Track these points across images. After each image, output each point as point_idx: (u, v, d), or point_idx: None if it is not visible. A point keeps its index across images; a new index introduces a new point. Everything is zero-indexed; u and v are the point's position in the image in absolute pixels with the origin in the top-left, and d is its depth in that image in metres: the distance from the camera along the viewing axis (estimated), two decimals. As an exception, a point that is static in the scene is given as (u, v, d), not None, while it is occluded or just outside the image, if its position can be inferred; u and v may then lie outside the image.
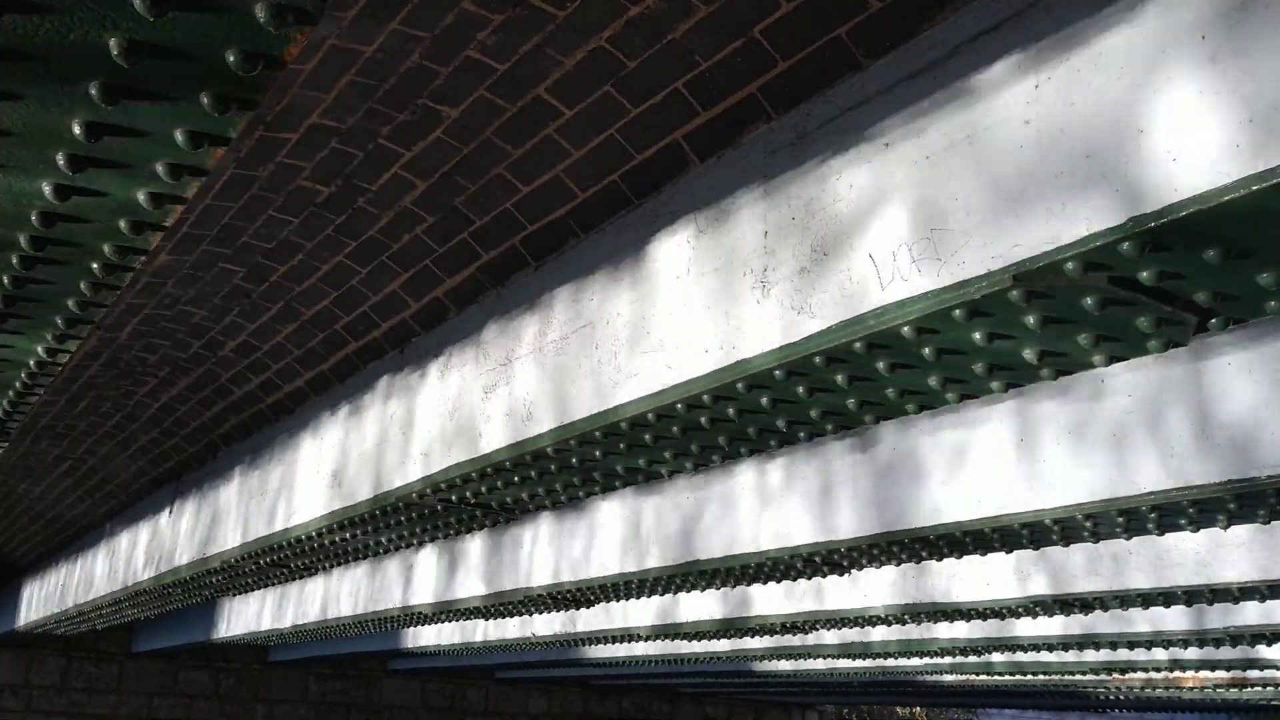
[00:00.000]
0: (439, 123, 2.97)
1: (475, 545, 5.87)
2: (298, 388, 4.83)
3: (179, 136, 1.66)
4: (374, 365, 4.35)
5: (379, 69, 2.78)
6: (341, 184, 3.34)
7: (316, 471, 4.63)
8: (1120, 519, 3.26)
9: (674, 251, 2.79)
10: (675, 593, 5.31)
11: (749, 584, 4.93)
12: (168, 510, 6.57)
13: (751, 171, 2.58)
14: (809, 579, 4.83)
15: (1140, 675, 8.78)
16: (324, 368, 4.57)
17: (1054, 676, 9.00)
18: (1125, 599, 4.42)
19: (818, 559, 4.15)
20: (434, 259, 3.59)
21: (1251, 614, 5.19)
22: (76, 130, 1.65)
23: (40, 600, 10.25)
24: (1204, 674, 8.33)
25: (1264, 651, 6.69)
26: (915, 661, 8.82)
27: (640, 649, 9.15)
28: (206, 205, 3.49)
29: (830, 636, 7.34)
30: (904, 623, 5.75)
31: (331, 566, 5.55)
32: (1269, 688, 8.74)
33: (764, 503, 4.17)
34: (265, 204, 3.50)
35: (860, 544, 3.69)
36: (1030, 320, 2.07)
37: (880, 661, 8.97)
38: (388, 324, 4.06)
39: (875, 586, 5.17)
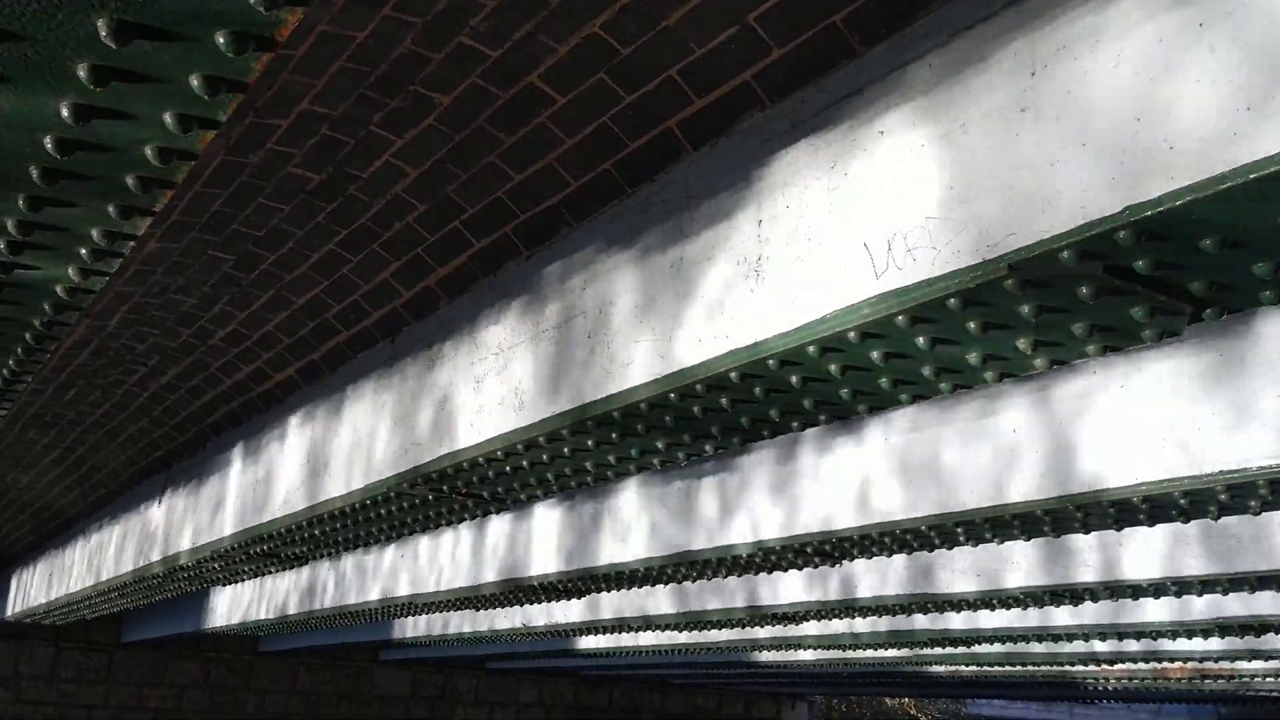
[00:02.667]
0: (431, 110, 2.95)
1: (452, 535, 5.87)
2: (288, 376, 4.81)
3: (168, 119, 1.64)
4: (365, 354, 4.33)
5: (370, 55, 2.76)
6: (332, 171, 3.32)
7: (307, 461, 4.62)
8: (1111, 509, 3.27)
9: (666, 240, 2.77)
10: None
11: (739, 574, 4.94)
12: (157, 499, 6.54)
13: (745, 160, 2.57)
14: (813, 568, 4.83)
15: (1128, 666, 8.82)
16: (315, 357, 4.55)
17: (1042, 667, 9.04)
18: (1115, 590, 4.44)
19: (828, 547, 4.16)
20: (425, 247, 3.57)
21: (1237, 605, 5.21)
22: (65, 112, 1.63)
23: (29, 590, 10.21)
24: (1191, 665, 8.38)
25: (1251, 642, 6.72)
26: (904, 652, 8.85)
27: (631, 640, 9.16)
28: (196, 192, 3.47)
29: (818, 627, 7.36)
30: (903, 613, 5.77)
31: (325, 555, 5.53)
32: (1255, 678, 8.79)
33: (751, 491, 4.17)
34: (255, 191, 3.48)
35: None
36: (1025, 310, 2.06)
37: (870, 652, 9.00)
38: (379, 313, 4.04)
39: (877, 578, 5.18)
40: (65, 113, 1.64)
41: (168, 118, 1.64)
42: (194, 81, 1.54)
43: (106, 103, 1.62)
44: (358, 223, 3.56)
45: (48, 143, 1.72)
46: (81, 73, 1.54)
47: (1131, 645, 7.24)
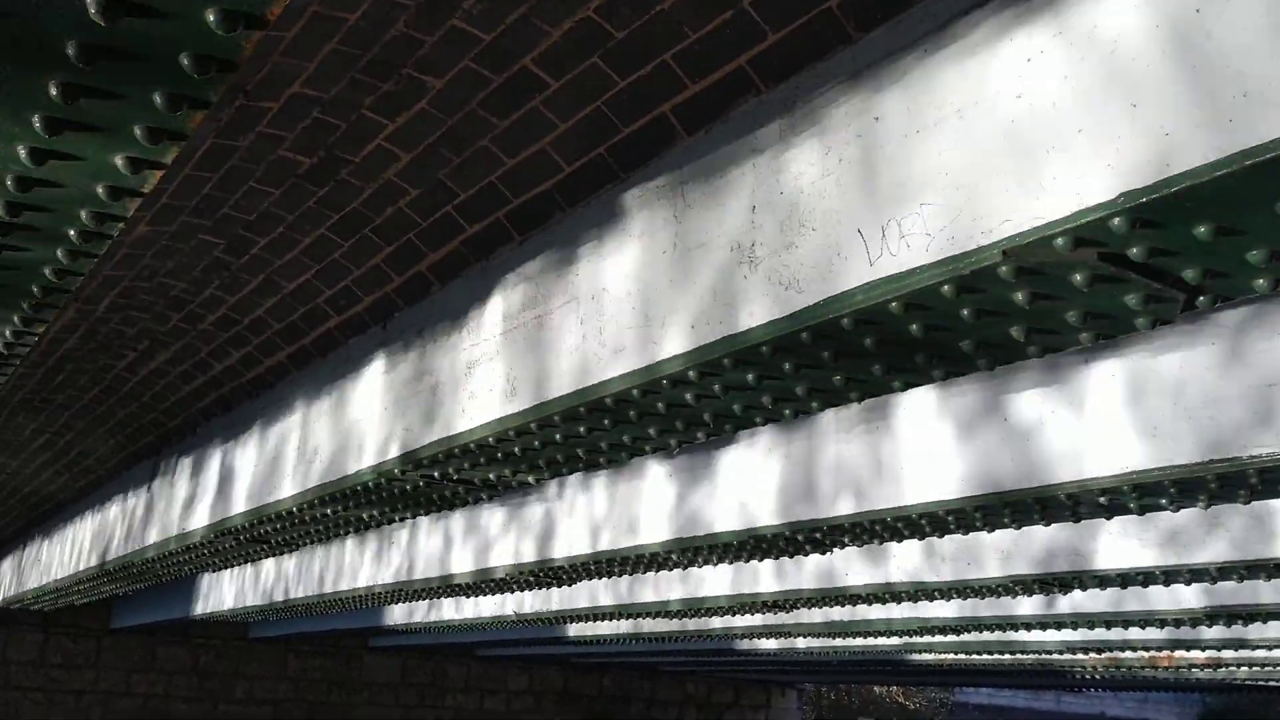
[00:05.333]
0: (423, 93, 2.93)
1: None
2: (279, 362, 4.79)
3: (158, 99, 1.62)
4: (356, 340, 4.31)
5: (362, 37, 2.74)
6: (323, 155, 3.30)
7: (298, 447, 4.60)
8: (1102, 498, 3.28)
9: (660, 226, 2.76)
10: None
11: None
12: (146, 485, 6.52)
13: (739, 146, 2.56)
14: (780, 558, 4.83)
15: (1117, 654, 8.86)
16: (305, 342, 4.53)
17: (1031, 655, 9.08)
18: (1104, 579, 4.46)
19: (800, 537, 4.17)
20: (417, 232, 3.55)
21: (1227, 594, 5.24)
22: (53, 92, 1.61)
23: (17, 576, 10.18)
24: (1180, 653, 8.43)
25: (1240, 631, 6.76)
26: (895, 640, 8.89)
27: (623, 627, 9.17)
28: (186, 175, 3.44)
29: (812, 615, 7.38)
30: (884, 602, 5.78)
31: (316, 541, 5.52)
32: (1243, 667, 8.84)
33: (741, 479, 4.18)
34: (246, 175, 3.45)
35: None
36: (1019, 297, 2.06)
37: (860, 640, 9.03)
38: (370, 298, 4.02)
39: (858, 565, 5.19)
40: (54, 91, 1.62)
41: (157, 97, 1.62)
42: (184, 60, 1.52)
43: (95, 81, 1.60)
44: (349, 207, 3.54)
45: (36, 122, 1.70)
46: (70, 51, 1.52)
47: (1119, 634, 7.28)
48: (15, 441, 7.01)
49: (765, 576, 5.69)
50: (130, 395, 5.76)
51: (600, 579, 6.12)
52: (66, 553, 8.24)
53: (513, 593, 7.22)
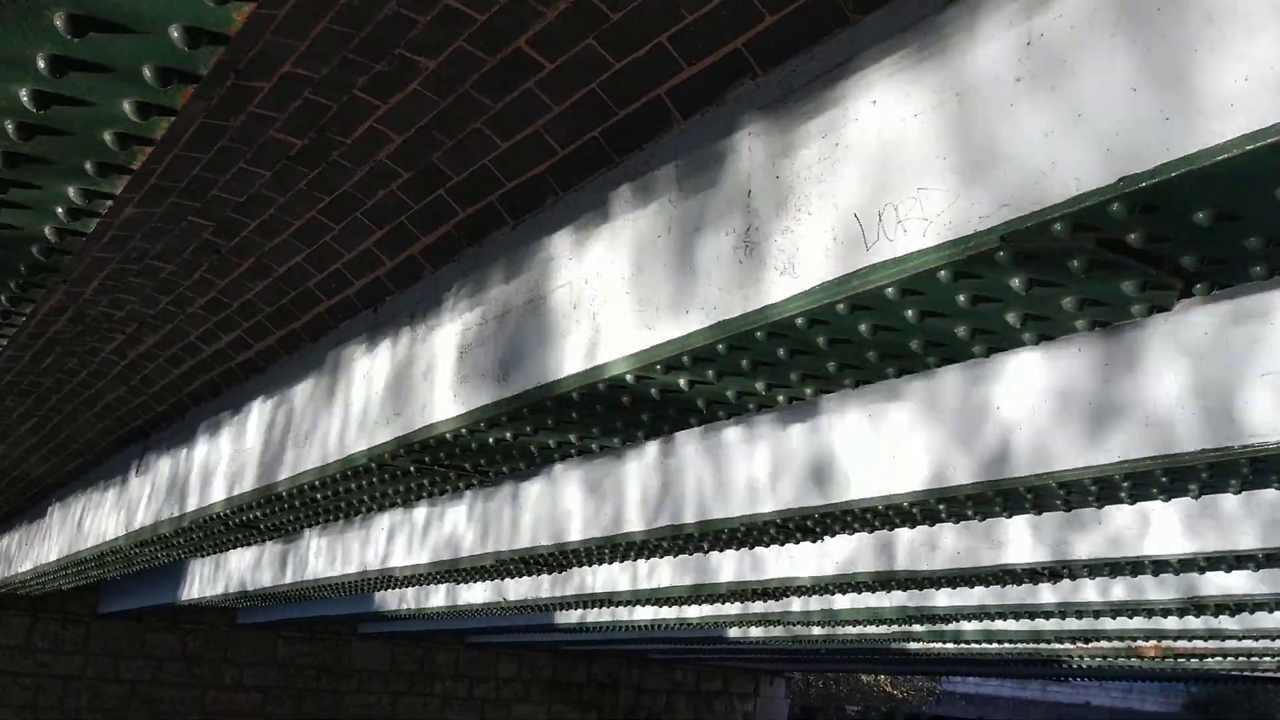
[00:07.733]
0: (416, 74, 2.90)
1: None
2: (269, 346, 4.76)
3: (147, 73, 1.60)
4: (347, 324, 4.28)
5: (355, 16, 2.71)
6: (315, 136, 3.27)
7: (289, 432, 4.58)
8: (1093, 487, 3.28)
9: (656, 210, 2.74)
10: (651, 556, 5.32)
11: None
12: (135, 469, 6.49)
13: (736, 130, 2.54)
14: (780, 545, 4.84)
15: (1102, 644, 8.90)
16: (296, 326, 4.50)
17: (1018, 645, 9.11)
18: (1094, 568, 4.47)
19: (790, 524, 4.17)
20: (409, 216, 3.52)
21: (1212, 586, 5.26)
22: (41, 64, 1.59)
23: (4, 560, 10.13)
24: (1165, 643, 8.47)
25: (1225, 622, 6.80)
26: (883, 630, 8.91)
27: (611, 615, 9.18)
28: (175, 156, 3.41)
29: (799, 604, 7.39)
30: (873, 590, 5.79)
31: (305, 527, 5.50)
32: (1228, 658, 8.90)
33: (721, 469, 4.17)
34: (236, 156, 3.42)
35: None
36: (1016, 283, 2.05)
37: (848, 629, 9.05)
38: (361, 282, 4.00)
39: (844, 553, 5.20)
40: (41, 65, 1.59)
41: (146, 71, 1.59)
42: (173, 33, 1.50)
43: (83, 55, 1.57)
44: (340, 190, 3.51)
45: (23, 96, 1.67)
46: (58, 23, 1.50)
47: (1106, 624, 7.31)
48: (3, 425, 6.96)
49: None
50: (118, 378, 5.72)
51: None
52: (54, 537, 8.20)
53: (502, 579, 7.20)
